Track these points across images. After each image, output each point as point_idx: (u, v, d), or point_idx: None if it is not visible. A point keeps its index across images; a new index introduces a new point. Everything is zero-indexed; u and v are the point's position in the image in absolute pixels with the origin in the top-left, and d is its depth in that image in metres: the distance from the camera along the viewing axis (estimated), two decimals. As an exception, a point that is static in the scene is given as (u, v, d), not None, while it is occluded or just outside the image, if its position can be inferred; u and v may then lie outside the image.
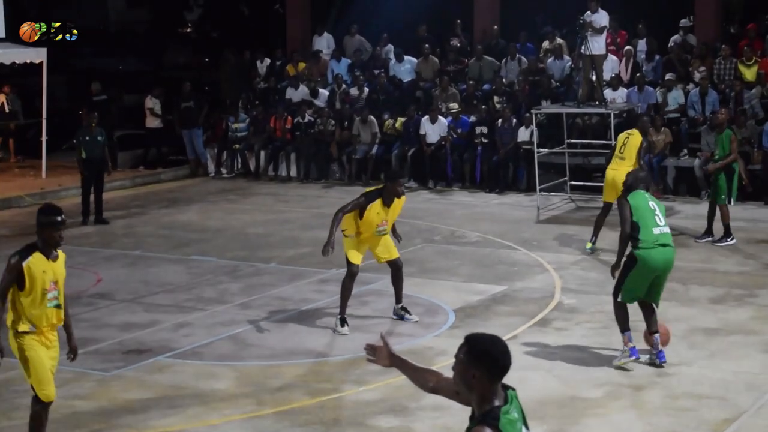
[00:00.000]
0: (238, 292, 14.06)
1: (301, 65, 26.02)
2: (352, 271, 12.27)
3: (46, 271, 8.39)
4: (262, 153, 24.49)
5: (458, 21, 26.06)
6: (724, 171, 16.26)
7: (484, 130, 21.99)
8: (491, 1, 26.41)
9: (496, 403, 4.87)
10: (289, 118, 24.26)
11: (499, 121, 21.79)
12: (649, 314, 10.84)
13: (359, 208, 12.11)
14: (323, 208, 20.13)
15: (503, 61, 23.98)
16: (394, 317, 12.80)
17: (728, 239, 16.39)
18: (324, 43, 26.81)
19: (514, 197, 21.02)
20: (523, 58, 23.69)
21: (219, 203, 21.21)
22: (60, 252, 8.59)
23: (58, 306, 8.59)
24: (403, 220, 18.63)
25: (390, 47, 25.65)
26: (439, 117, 22.31)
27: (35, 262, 8.28)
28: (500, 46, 24.67)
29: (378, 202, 12.15)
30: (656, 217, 10.63)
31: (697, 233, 16.89)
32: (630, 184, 10.90)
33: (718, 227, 16.44)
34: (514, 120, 21.72)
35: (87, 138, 18.91)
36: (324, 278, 14.63)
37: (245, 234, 17.93)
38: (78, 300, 13.68)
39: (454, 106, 22.59)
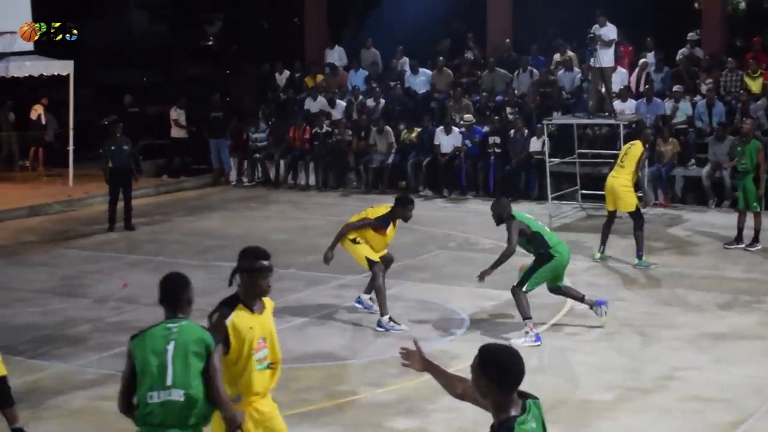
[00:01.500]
0: (355, 306, 14.33)
1: (319, 77, 26.50)
2: (380, 268, 12.80)
3: (253, 327, 7.09)
4: (282, 162, 24.95)
5: (471, 34, 26.49)
6: (753, 179, 16.61)
7: (497, 140, 22.36)
8: (503, 15, 26.84)
9: (513, 413, 4.94)
10: (308, 128, 24.71)
11: (512, 131, 22.17)
12: (567, 292, 12.90)
13: (371, 227, 12.82)
14: (341, 215, 20.49)
15: (515, 73, 24.38)
16: (357, 305, 13.39)
17: (756, 245, 16.70)
18: (336, 56, 27.30)
19: (526, 205, 21.18)
20: (535, 71, 24.10)
21: (240, 211, 21.60)
22: (267, 300, 7.32)
23: (270, 367, 7.20)
24: (418, 227, 19.11)
25: (405, 60, 26.09)
26: (453, 128, 22.73)
27: (240, 317, 7.01)
28: (512, 59, 25.08)
29: (391, 226, 13.01)
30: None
31: (702, 242, 17.22)
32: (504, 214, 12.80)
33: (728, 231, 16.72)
34: (526, 130, 22.07)
35: (113, 147, 19.36)
36: (342, 283, 15.01)
37: (265, 241, 18.23)
38: (104, 304, 14.17)
39: (469, 117, 22.96)
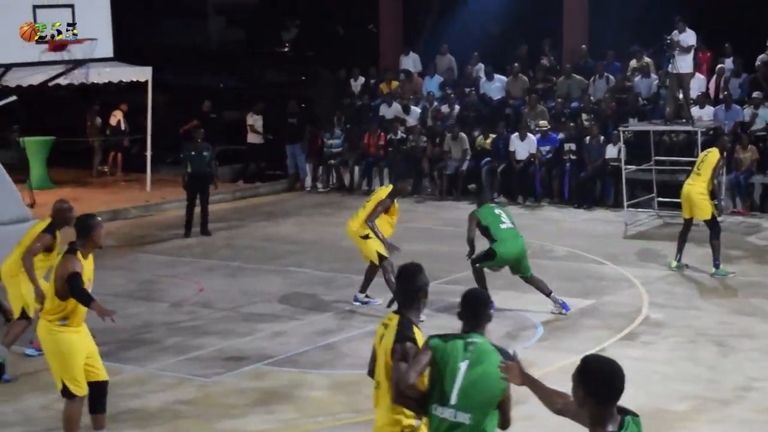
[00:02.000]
0: (332, 302, 14.52)
1: (394, 83, 26.56)
2: (389, 263, 13.73)
3: None
4: (356, 168, 25.06)
5: (547, 40, 26.39)
6: None
7: (573, 147, 22.25)
8: (580, 21, 26.68)
9: (610, 428, 4.96)
10: (382, 134, 24.77)
11: (587, 138, 22.05)
12: (535, 284, 13.91)
13: (388, 207, 14.17)
14: (415, 222, 20.59)
15: (591, 79, 24.22)
16: (355, 303, 14.19)
17: None
18: (410, 62, 27.35)
19: (601, 213, 21.23)
20: (611, 77, 23.92)
21: (314, 216, 21.73)
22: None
23: None
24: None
25: (480, 66, 26.04)
26: (528, 134, 22.65)
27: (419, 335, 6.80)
28: (588, 65, 24.93)
29: (395, 204, 14.40)
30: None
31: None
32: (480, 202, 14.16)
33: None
34: (602, 137, 21.93)
35: (193, 153, 19.55)
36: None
37: (339, 246, 18.37)
38: (180, 308, 14.34)
39: (544, 123, 22.87)
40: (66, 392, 9.16)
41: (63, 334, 9.12)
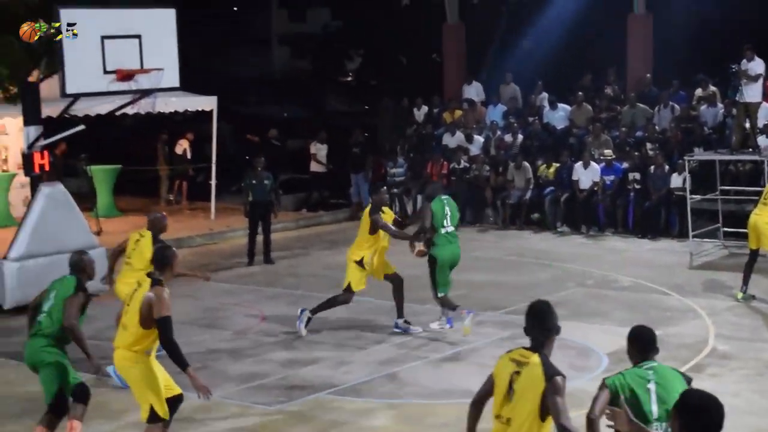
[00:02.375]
0: (395, 331, 14.55)
1: (458, 112, 26.59)
2: (348, 298, 14.34)
3: None
4: (419, 197, 25.07)
5: (612, 69, 26.28)
6: None
7: (637, 176, 22.10)
8: (644, 50, 26.58)
9: None
10: (445, 163, 24.80)
11: (652, 167, 21.91)
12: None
13: (380, 221, 14.35)
14: (478, 251, 20.55)
15: (656, 108, 24.09)
16: (397, 330, 14.29)
17: None
18: (473, 91, 27.39)
19: (666, 243, 21.06)
20: (676, 106, 23.76)
21: (377, 246, 21.73)
22: None
23: None
24: (555, 263, 19.04)
25: (544, 95, 26.01)
26: (592, 163, 22.55)
27: None
28: (653, 94, 24.80)
29: (387, 211, 14.87)
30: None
31: None
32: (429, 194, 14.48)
33: None
34: (667, 166, 21.78)
35: (254, 181, 19.71)
36: (479, 320, 15.00)
37: (402, 275, 18.41)
38: (244, 336, 14.41)
39: (609, 152, 22.74)
40: (153, 417, 9.21)
41: (148, 362, 9.26)
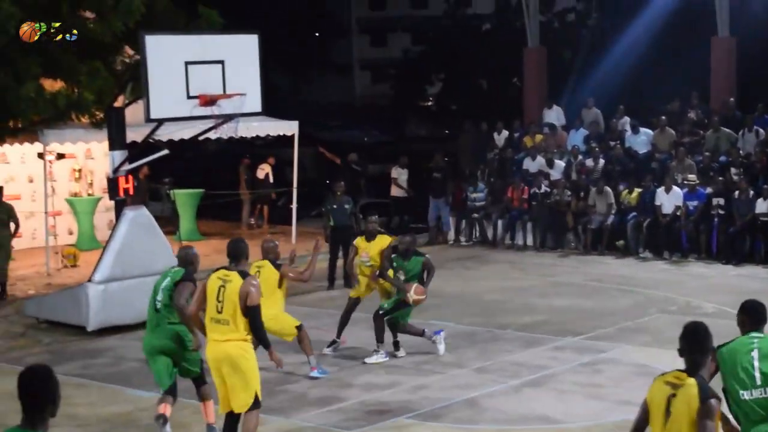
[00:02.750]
0: (474, 356, 14.47)
1: (539, 137, 26.51)
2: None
3: None
4: (500, 222, 25.03)
5: (695, 93, 26.01)
6: None
7: (721, 201, 21.82)
8: (728, 73, 26.30)
9: None
10: (526, 188, 24.73)
11: (736, 192, 21.61)
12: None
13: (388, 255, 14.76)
14: (558, 276, 20.46)
15: (740, 132, 23.78)
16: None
17: None
18: (554, 116, 27.29)
19: (751, 269, 20.74)
20: (761, 130, 23.42)
21: (457, 270, 21.70)
22: None
23: None
24: (638, 289, 18.85)
25: (626, 119, 25.81)
26: (674, 187, 22.30)
27: None
28: (737, 118, 24.50)
29: (360, 238, 15.35)
30: None
31: None
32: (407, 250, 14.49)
33: None
34: (752, 191, 21.48)
35: (335, 206, 19.80)
36: (559, 345, 14.91)
37: (482, 300, 18.38)
38: (324, 359, 14.46)
39: (693, 177, 22.47)
40: (256, 404, 9.86)
41: (251, 349, 9.93)
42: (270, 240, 14.02)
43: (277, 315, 13.30)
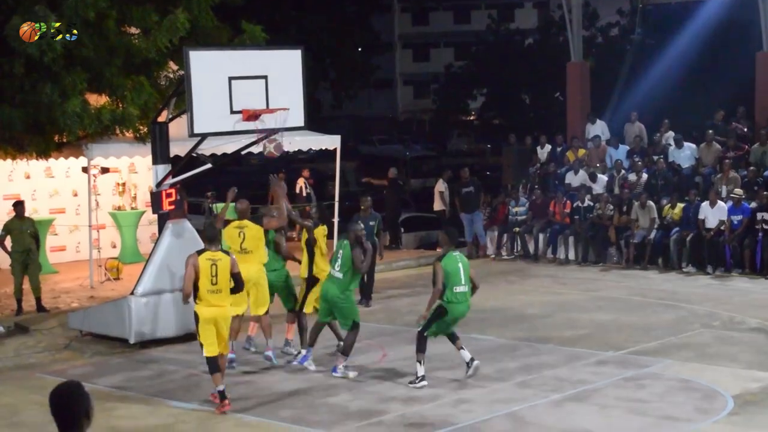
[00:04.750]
0: (516, 370, 14.43)
1: (581, 151, 26.44)
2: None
3: None
4: (541, 236, 24.98)
5: (741, 108, 25.82)
6: None
7: (766, 216, 21.63)
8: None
9: None
10: (568, 202, 24.67)
11: (781, 207, 21.44)
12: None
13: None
14: (601, 290, 20.37)
15: (786, 146, 23.57)
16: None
17: None
18: (598, 129, 27.21)
19: (795, 283, 20.62)
20: (808, 142, 23.21)
21: (498, 284, 21.68)
22: None
23: None
24: (681, 304, 18.75)
25: (670, 133, 25.68)
26: (719, 202, 22.16)
27: None
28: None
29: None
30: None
31: None
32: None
33: None
34: (797, 206, 21.31)
35: (359, 223, 19.77)
36: (601, 359, 14.85)
37: (524, 314, 18.33)
38: (365, 374, 14.46)
39: (739, 191, 22.30)
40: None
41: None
42: (243, 201, 15.43)
43: (259, 281, 14.72)
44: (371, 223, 19.65)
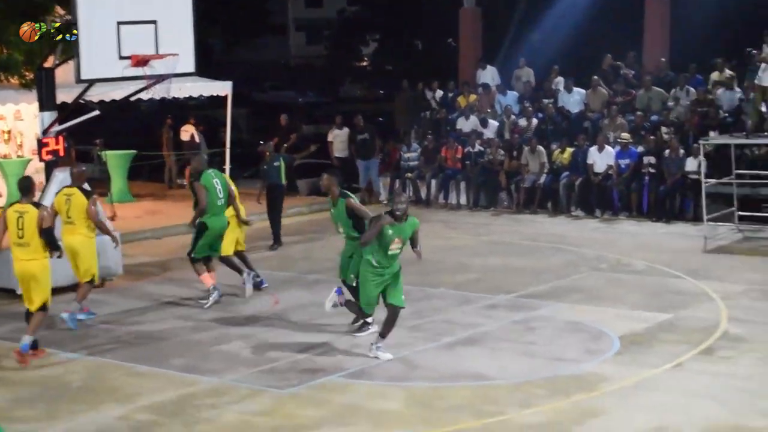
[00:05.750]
0: (407, 315, 14.34)
1: (472, 97, 26.55)
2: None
3: None
4: (433, 182, 25.09)
5: (631, 53, 26.11)
6: None
7: (652, 160, 22.04)
8: (661, 34, 26.48)
9: None
10: (460, 148, 24.79)
11: (667, 151, 21.84)
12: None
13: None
14: (492, 235, 20.58)
15: (672, 92, 23.97)
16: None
17: None
18: (488, 76, 27.32)
19: (680, 227, 21.01)
20: (692, 89, 23.62)
21: (391, 230, 21.72)
22: None
23: None
24: (569, 247, 19.04)
25: (560, 79, 25.90)
26: (607, 146, 22.49)
27: None
28: (669, 78, 24.69)
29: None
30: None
31: None
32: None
33: None
34: (682, 150, 21.72)
35: (264, 166, 19.77)
36: (491, 303, 15.00)
37: (415, 259, 18.43)
38: (257, 320, 14.44)
39: (626, 136, 22.63)
40: (44, 308, 12.76)
41: (48, 265, 12.92)
42: (79, 165, 15.54)
43: (80, 251, 14.31)
44: (275, 164, 19.63)
